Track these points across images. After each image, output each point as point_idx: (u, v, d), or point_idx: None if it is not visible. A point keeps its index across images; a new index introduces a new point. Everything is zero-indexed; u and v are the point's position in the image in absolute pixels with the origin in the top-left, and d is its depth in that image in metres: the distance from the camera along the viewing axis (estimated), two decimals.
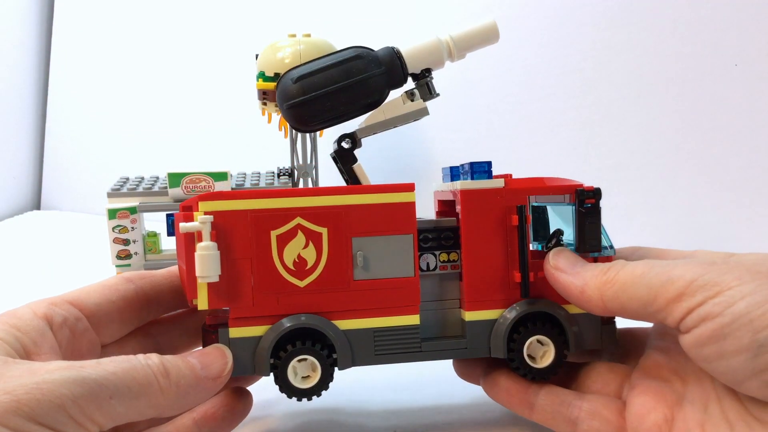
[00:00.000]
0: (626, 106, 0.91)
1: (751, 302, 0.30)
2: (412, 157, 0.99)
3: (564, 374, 0.42)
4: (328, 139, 1.08)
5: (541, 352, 0.40)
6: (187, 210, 0.39)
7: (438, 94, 0.46)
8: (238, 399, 0.42)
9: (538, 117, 0.95)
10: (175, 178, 0.66)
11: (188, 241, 0.38)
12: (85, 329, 0.37)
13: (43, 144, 1.31)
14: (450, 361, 0.45)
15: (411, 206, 0.39)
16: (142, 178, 0.73)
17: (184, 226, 0.37)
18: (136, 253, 0.66)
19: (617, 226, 0.93)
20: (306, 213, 0.38)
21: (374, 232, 0.39)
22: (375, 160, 1.04)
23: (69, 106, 1.28)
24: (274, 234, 0.38)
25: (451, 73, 0.97)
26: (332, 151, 0.45)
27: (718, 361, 0.31)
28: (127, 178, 0.73)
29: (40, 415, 0.28)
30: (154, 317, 0.42)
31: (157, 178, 0.74)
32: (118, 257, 0.66)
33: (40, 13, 1.28)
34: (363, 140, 0.46)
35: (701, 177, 0.89)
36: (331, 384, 0.39)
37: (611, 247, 0.41)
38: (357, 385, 0.51)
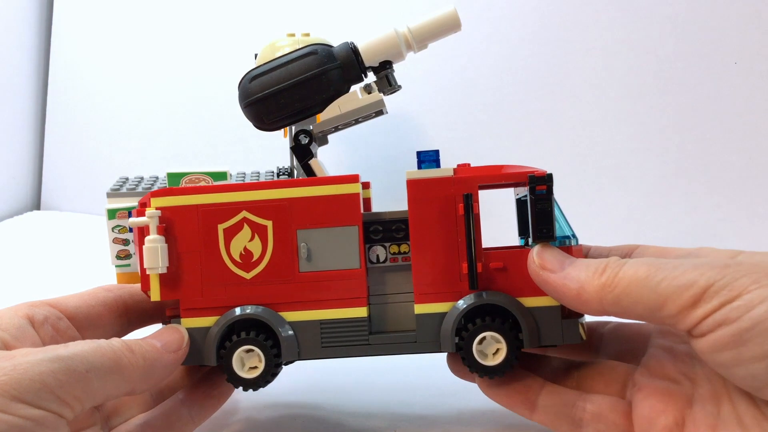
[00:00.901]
0: (626, 106, 0.91)
1: None
2: (411, 156, 0.99)
3: (563, 372, 0.41)
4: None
5: (494, 349, 0.38)
6: (144, 206, 0.41)
7: (399, 87, 0.45)
8: (221, 377, 0.43)
9: (538, 116, 0.95)
10: (174, 178, 0.66)
11: (141, 235, 0.40)
12: (68, 327, 0.39)
13: (43, 144, 1.31)
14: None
15: (355, 198, 0.39)
16: (142, 178, 0.73)
17: (133, 221, 0.39)
18: (135, 253, 0.66)
19: (617, 226, 0.93)
20: (251, 206, 0.40)
21: (319, 224, 0.39)
22: (372, 159, 1.04)
23: (69, 106, 1.28)
24: (221, 227, 0.40)
25: (451, 72, 0.97)
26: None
27: (736, 367, 0.30)
28: (127, 178, 0.73)
29: (23, 393, 0.29)
30: (135, 328, 0.43)
31: (157, 178, 0.74)
32: (118, 257, 0.66)
33: (40, 13, 1.28)
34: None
35: (701, 176, 0.88)
36: (278, 375, 0.40)
37: (573, 236, 0.39)
38: (357, 385, 0.51)
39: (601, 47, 0.91)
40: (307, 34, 0.68)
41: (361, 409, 0.48)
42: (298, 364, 0.43)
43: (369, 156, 1.05)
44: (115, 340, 0.35)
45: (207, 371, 0.44)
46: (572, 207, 0.98)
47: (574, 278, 0.35)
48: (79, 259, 0.90)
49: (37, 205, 1.30)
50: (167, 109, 1.20)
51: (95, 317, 0.40)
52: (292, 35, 0.67)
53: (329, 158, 1.10)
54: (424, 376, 0.51)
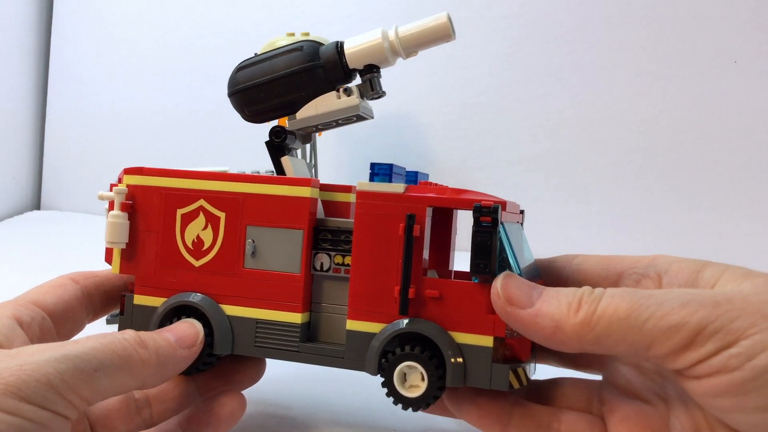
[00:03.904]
0: (625, 105, 0.91)
1: None
2: (411, 155, 0.99)
3: (525, 391, 0.39)
4: (328, 139, 1.08)
5: (416, 380, 0.36)
6: (120, 181, 0.42)
7: (383, 93, 0.42)
8: (226, 405, 0.41)
9: (538, 115, 0.95)
10: None
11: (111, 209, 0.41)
12: (50, 328, 0.38)
13: (43, 144, 1.31)
14: None
15: (305, 201, 0.39)
16: None
17: (101, 194, 0.41)
18: None
19: (617, 224, 0.93)
20: (209, 196, 0.40)
21: (267, 223, 0.39)
22: (373, 159, 1.04)
23: (69, 106, 1.28)
24: (179, 212, 0.40)
25: (451, 70, 0.97)
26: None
27: (736, 413, 0.28)
28: None
29: (29, 395, 0.28)
30: (99, 316, 0.44)
31: None
32: None
33: (39, 13, 1.28)
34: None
35: (701, 174, 0.88)
36: (207, 364, 0.39)
37: (520, 275, 0.35)
38: (357, 385, 0.51)
39: (601, 48, 0.91)
40: (307, 34, 0.68)
41: (361, 409, 0.48)
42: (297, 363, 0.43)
43: (369, 156, 1.05)
44: (128, 333, 0.34)
45: (215, 396, 0.42)
46: (571, 206, 0.98)
47: (547, 315, 0.31)
48: (79, 259, 0.90)
49: (37, 205, 1.30)
50: (167, 108, 1.20)
51: (70, 311, 0.40)
52: (292, 35, 0.67)
53: (330, 158, 1.11)
54: None
